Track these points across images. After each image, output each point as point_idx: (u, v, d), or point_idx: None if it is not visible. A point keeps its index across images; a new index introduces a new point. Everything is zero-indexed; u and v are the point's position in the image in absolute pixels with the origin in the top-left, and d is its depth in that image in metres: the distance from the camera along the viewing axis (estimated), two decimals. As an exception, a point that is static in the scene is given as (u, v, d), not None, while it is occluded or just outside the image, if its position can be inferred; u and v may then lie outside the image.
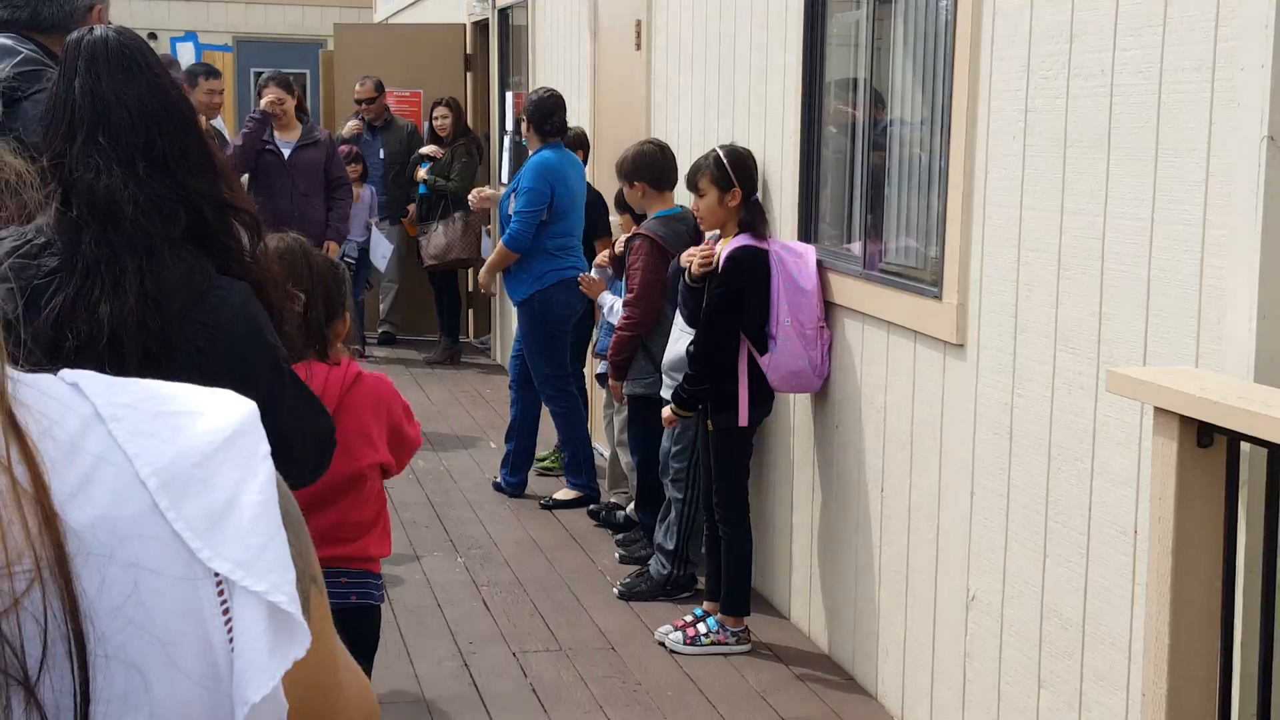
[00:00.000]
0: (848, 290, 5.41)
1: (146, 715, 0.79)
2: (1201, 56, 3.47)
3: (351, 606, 3.62)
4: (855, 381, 5.39)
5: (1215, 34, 3.42)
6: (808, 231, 5.84)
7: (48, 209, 2.64)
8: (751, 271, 5.44)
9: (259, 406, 2.86)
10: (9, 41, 3.36)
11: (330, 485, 3.58)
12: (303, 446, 2.86)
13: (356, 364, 3.76)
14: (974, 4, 4.47)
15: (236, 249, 2.76)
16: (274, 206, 8.33)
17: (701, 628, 5.67)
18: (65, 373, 0.88)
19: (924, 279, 4.94)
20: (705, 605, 5.81)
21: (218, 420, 0.88)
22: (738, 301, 5.44)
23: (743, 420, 5.56)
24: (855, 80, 5.54)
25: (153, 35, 18.41)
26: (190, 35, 19.61)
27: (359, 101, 11.71)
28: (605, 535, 7.21)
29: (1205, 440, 3.13)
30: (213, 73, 10.06)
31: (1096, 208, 3.91)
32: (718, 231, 5.68)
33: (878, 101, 5.35)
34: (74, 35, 2.73)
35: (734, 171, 5.56)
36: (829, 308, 5.56)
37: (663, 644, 5.66)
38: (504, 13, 11.94)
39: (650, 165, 6.60)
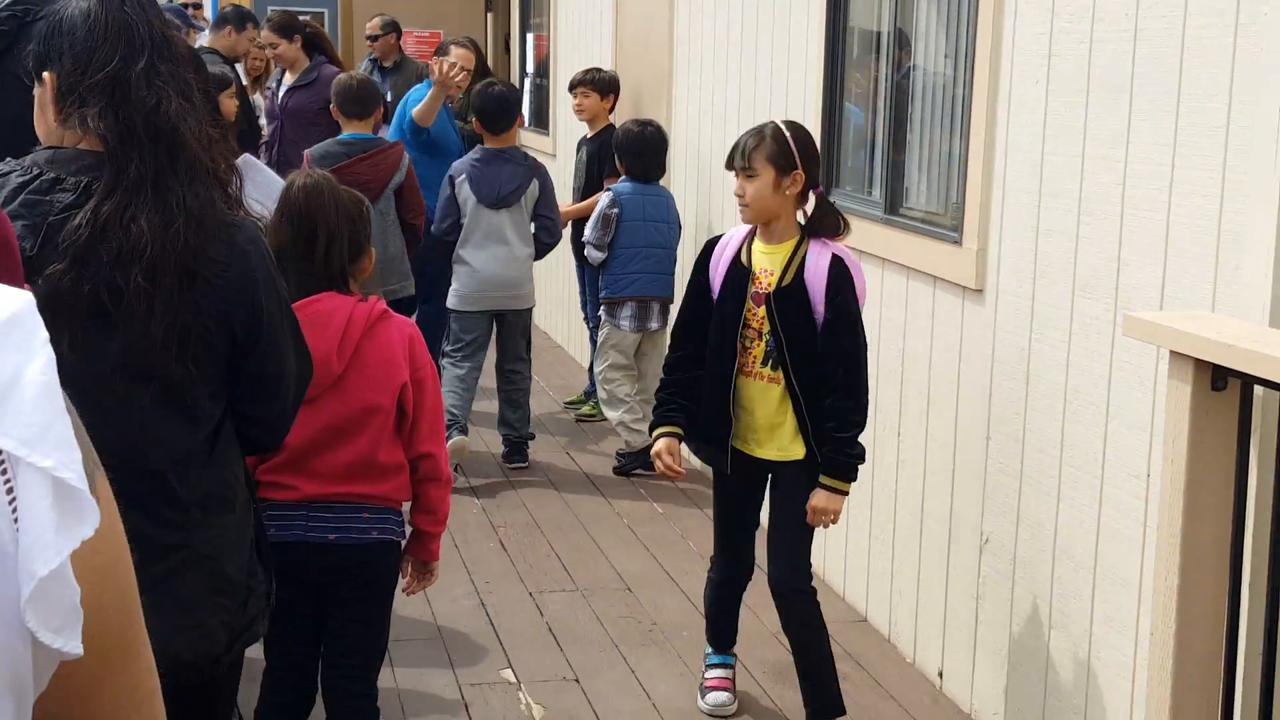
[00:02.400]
0: (868, 235, 5.42)
1: None
2: (1224, 3, 3.49)
3: (373, 542, 3.65)
4: (874, 327, 5.41)
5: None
6: (830, 177, 5.84)
7: (81, 130, 2.65)
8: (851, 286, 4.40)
9: (265, 343, 2.90)
10: None
11: (352, 415, 3.62)
12: (289, 386, 2.93)
13: (383, 302, 3.74)
14: (999, -52, 4.49)
15: (233, 191, 2.84)
16: (257, 154, 7.41)
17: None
18: None
19: (944, 224, 4.97)
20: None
21: None
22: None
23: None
24: (880, 22, 5.54)
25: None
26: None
27: (369, 39, 10.82)
28: (623, 479, 7.27)
29: (1219, 383, 3.15)
30: (235, 20, 8.93)
31: (1118, 154, 3.92)
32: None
33: (902, 44, 5.35)
34: None
35: (799, 151, 4.39)
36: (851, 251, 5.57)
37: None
38: (526, -47, 11.91)
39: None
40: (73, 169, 2.65)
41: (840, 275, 4.36)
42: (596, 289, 7.72)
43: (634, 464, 7.28)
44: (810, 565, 4.57)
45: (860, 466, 4.42)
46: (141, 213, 2.60)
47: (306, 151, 6.98)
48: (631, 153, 7.29)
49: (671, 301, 7.39)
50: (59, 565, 0.83)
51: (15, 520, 0.82)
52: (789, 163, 4.36)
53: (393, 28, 10.63)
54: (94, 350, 2.60)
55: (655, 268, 7.33)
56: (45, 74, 2.71)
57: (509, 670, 5.05)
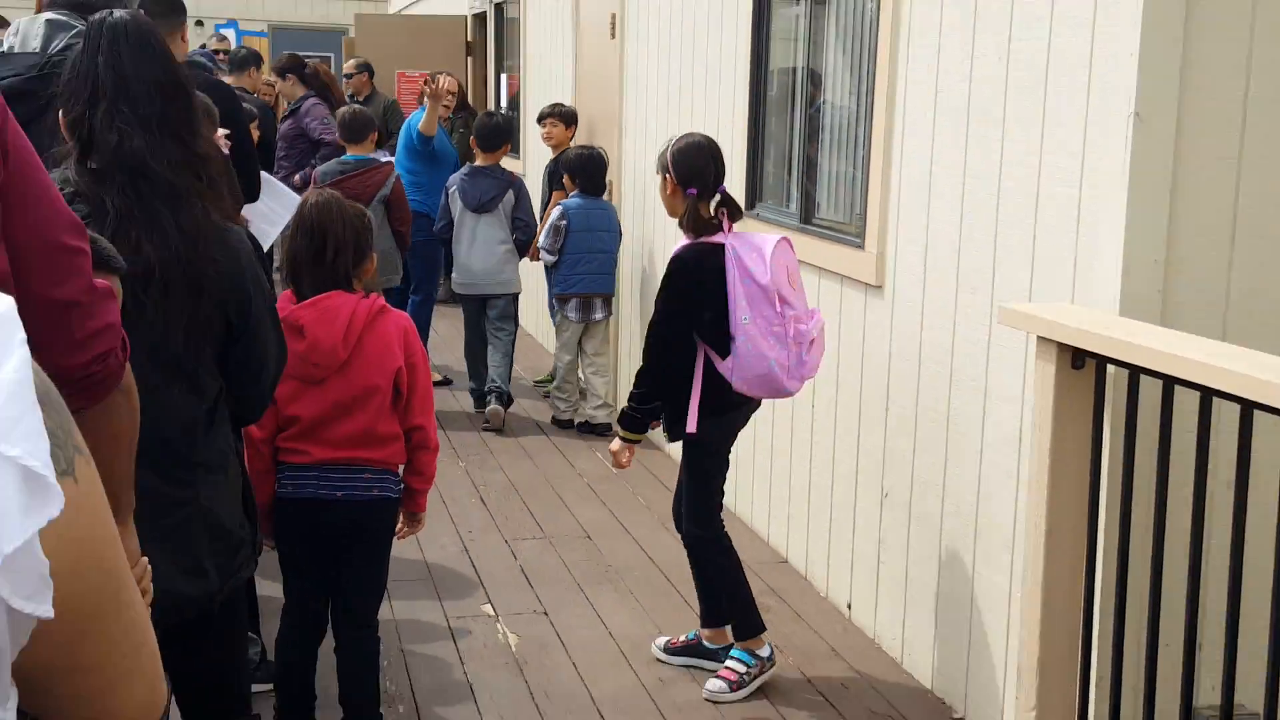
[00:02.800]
0: (786, 241, 5.41)
1: None
2: (1082, 46, 3.49)
3: (374, 498, 3.65)
4: (792, 317, 5.42)
5: (1093, 26, 3.44)
6: (754, 194, 5.84)
7: (67, 162, 2.63)
8: (699, 272, 4.16)
9: (253, 329, 2.88)
10: (63, 17, 3.34)
11: (358, 394, 3.61)
12: (270, 368, 2.93)
13: (382, 299, 3.73)
14: (894, 1, 4.48)
15: (225, 202, 2.81)
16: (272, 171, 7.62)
17: (736, 666, 4.40)
18: None
19: (850, 232, 4.97)
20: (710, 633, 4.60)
21: None
22: (684, 307, 4.20)
23: (690, 427, 4.24)
24: (794, 66, 5.54)
25: (199, 22, 18.19)
26: (232, 23, 19.32)
27: (346, 76, 11.16)
28: (585, 444, 7.25)
29: (1078, 363, 3.17)
30: (254, 60, 9.13)
31: (992, 173, 3.93)
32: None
33: (814, 82, 5.35)
34: (96, 16, 2.70)
35: (671, 159, 4.29)
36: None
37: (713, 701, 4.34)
38: (499, 6, 11.85)
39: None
40: (83, 188, 2.61)
41: (670, 268, 4.26)
42: None
43: (568, 424, 7.59)
44: (702, 513, 4.43)
45: (646, 421, 4.38)
46: (144, 239, 2.58)
47: (315, 170, 7.59)
48: (579, 172, 7.33)
49: (613, 296, 7.47)
50: (23, 544, 0.79)
51: None
52: (664, 168, 4.31)
53: (365, 68, 11.08)
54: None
55: (598, 269, 7.41)
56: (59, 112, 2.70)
57: (488, 605, 5.03)
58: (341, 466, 3.62)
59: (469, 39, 13.06)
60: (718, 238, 4.20)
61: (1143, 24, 3.22)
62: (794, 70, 5.54)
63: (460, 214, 7.53)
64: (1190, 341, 2.91)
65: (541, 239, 7.42)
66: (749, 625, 4.44)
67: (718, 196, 4.31)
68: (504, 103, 11.66)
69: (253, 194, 4.68)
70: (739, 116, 5.94)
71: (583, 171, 7.31)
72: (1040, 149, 3.68)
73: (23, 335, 0.84)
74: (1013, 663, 3.84)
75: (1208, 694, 3.15)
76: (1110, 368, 3.14)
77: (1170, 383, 2.89)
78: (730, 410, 4.34)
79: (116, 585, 0.93)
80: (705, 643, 4.55)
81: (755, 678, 4.37)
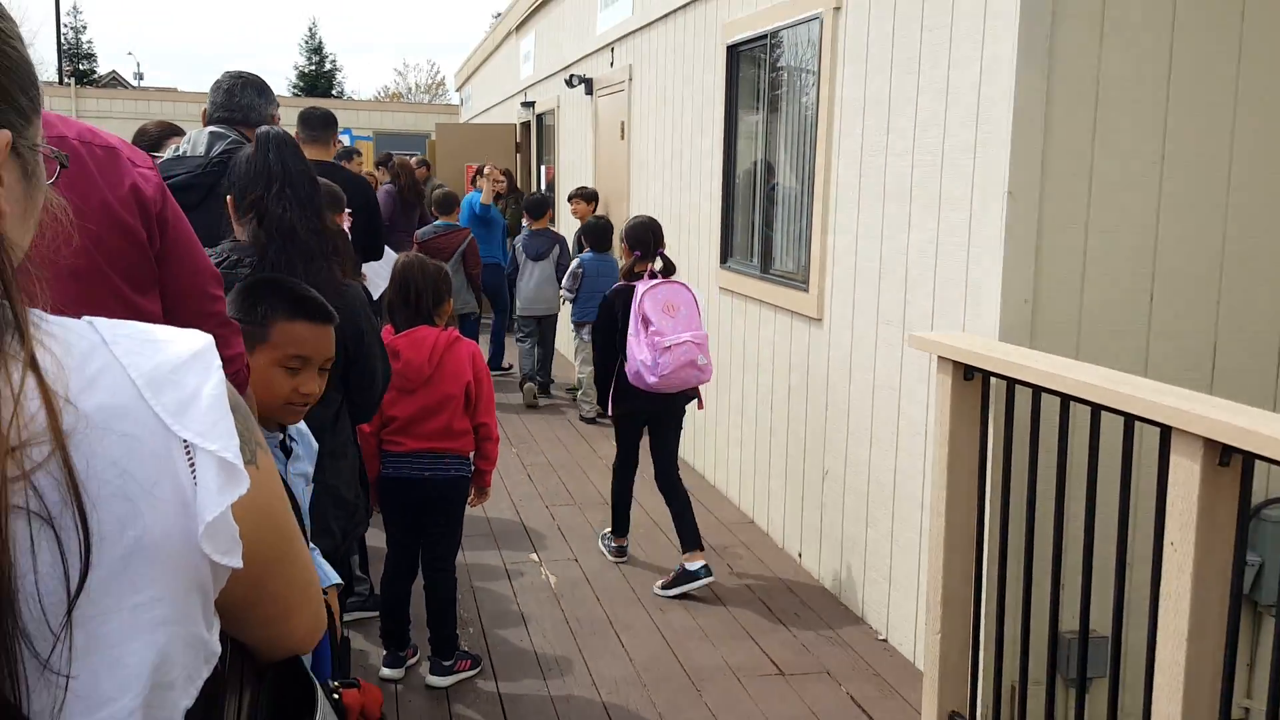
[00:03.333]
0: (751, 286, 5.38)
1: (140, 529, 0.77)
2: (968, 141, 3.44)
3: (452, 476, 3.60)
4: (756, 342, 5.38)
5: (976, 128, 3.39)
6: (726, 252, 5.79)
7: (245, 231, 2.69)
8: (616, 304, 4.51)
9: (365, 355, 2.94)
10: (221, 130, 3.33)
11: (439, 400, 3.57)
12: (380, 383, 2.95)
13: (456, 331, 3.70)
14: (828, 109, 4.43)
15: (345, 264, 2.87)
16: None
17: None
18: (85, 317, 0.84)
19: (797, 278, 4.92)
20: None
21: (186, 345, 0.84)
22: (605, 324, 4.56)
23: (609, 410, 4.61)
24: (755, 159, 5.50)
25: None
26: (346, 130, 19.36)
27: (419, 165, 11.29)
28: (604, 434, 7.17)
29: (969, 376, 3.11)
30: (354, 154, 9.45)
31: (903, 235, 3.88)
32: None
33: (769, 170, 5.31)
34: (263, 130, 2.78)
35: (625, 235, 4.61)
36: (739, 298, 5.53)
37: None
38: (540, 117, 11.82)
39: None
40: (246, 254, 2.66)
41: (602, 301, 4.62)
42: None
43: (591, 420, 7.54)
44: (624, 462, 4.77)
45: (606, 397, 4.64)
46: None
47: (416, 233, 8.11)
48: (591, 235, 7.48)
49: None
50: (220, 514, 0.80)
51: (195, 483, 0.80)
52: (622, 237, 4.62)
53: (424, 164, 11.41)
54: None
55: None
56: (228, 196, 2.73)
57: (534, 554, 4.96)
58: (428, 454, 3.58)
59: (518, 140, 13.03)
60: (637, 284, 4.50)
61: (1013, 122, 3.17)
62: (755, 161, 5.50)
63: (524, 261, 8.02)
64: (1052, 360, 2.85)
65: (564, 282, 7.59)
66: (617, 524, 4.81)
67: (659, 260, 4.55)
68: (543, 185, 11.63)
69: (379, 254, 5.03)
70: (714, 195, 5.89)
71: (593, 235, 7.42)
72: (938, 217, 3.63)
73: (219, 363, 0.85)
74: (923, 598, 3.76)
75: (1069, 621, 3.08)
76: (992, 380, 3.08)
77: (1037, 391, 2.83)
78: (634, 399, 4.53)
79: (287, 540, 0.93)
80: (686, 565, 4.48)
81: (689, 583, 4.44)
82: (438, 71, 61.78)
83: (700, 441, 6.18)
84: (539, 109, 11.67)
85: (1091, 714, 3.19)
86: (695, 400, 4.62)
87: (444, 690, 3.69)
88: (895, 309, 3.95)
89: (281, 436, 2.17)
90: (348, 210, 4.12)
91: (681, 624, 4.23)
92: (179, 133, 3.97)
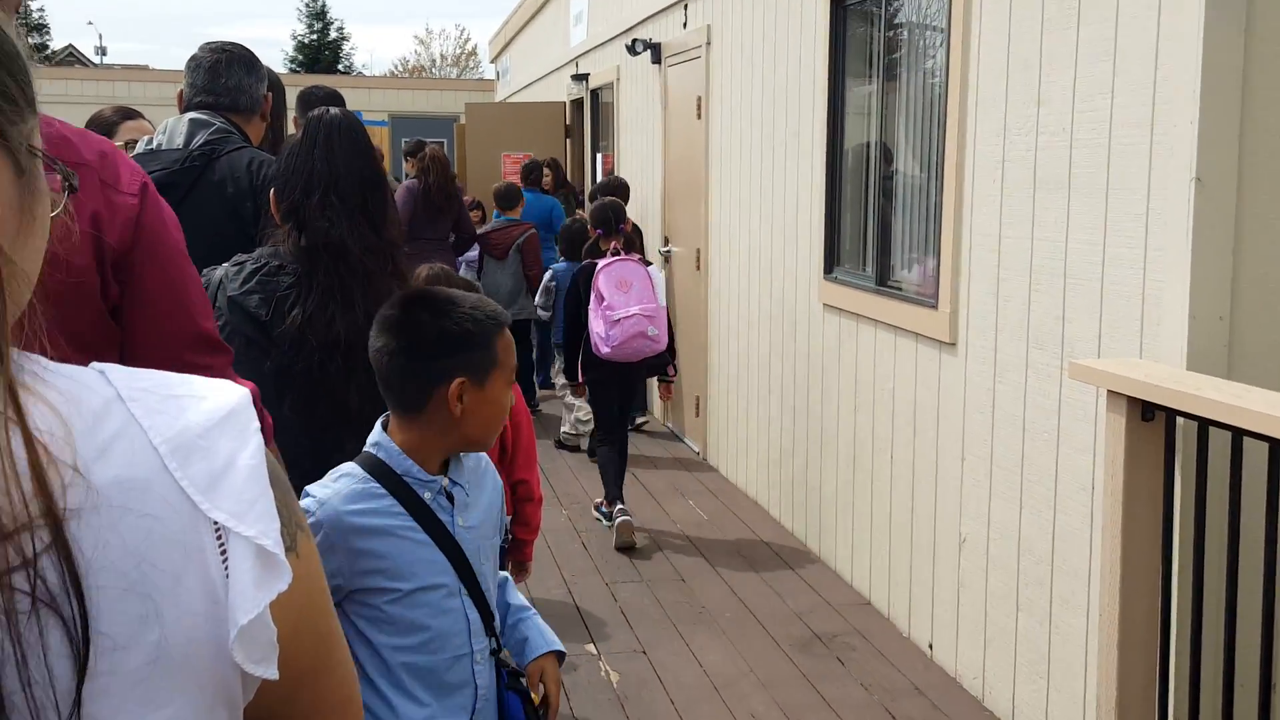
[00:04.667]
0: (864, 302, 5.36)
1: (158, 635, 0.77)
2: (1143, 115, 3.42)
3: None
4: (870, 373, 5.36)
5: (1154, 98, 3.37)
6: (831, 260, 5.79)
7: (285, 241, 2.85)
8: (579, 280, 6.29)
9: None
10: (203, 116, 3.43)
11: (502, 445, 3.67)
12: None
13: None
14: (960, 75, 4.43)
15: (405, 283, 2.99)
16: None
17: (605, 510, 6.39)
18: (95, 364, 0.86)
19: (923, 292, 4.90)
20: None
21: (217, 402, 0.86)
22: (572, 299, 6.31)
23: (579, 377, 6.37)
24: (869, 139, 5.50)
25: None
26: (357, 113, 19.79)
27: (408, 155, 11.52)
28: (677, 493, 7.19)
29: (1148, 416, 3.08)
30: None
31: (1059, 235, 3.85)
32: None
33: (886, 157, 5.30)
34: (315, 113, 2.95)
35: (589, 214, 6.30)
36: (849, 316, 5.52)
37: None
38: (595, 92, 11.95)
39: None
40: (290, 263, 2.83)
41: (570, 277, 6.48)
42: None
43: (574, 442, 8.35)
44: (603, 426, 6.51)
45: (574, 370, 6.47)
46: (337, 316, 2.79)
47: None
48: (564, 240, 8.19)
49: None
50: (257, 615, 0.82)
51: (227, 576, 0.82)
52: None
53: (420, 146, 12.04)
54: (308, 409, 2.84)
55: None
56: (270, 192, 2.92)
57: (591, 645, 4.98)
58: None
59: (567, 122, 13.18)
60: (599, 261, 6.21)
61: (1201, 88, 3.14)
62: (867, 143, 5.50)
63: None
64: (1258, 395, 2.81)
65: (537, 299, 8.53)
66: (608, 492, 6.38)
67: (620, 237, 6.35)
68: (599, 177, 11.72)
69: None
70: (816, 188, 5.90)
71: (566, 241, 8.18)
72: (1105, 211, 3.60)
73: (257, 424, 0.87)
74: (1091, 702, 3.70)
75: (1285, 734, 3.01)
76: (1180, 420, 3.04)
77: (1239, 434, 2.79)
78: (598, 369, 6.24)
79: (329, 647, 0.95)
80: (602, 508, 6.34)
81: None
82: (468, 39, 62.96)
83: (799, 497, 6.16)
84: (594, 83, 11.82)
85: None
86: (663, 370, 6.51)
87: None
88: (1050, 330, 3.91)
89: (443, 482, 2.20)
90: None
91: (779, 735, 4.21)
92: (134, 115, 4.08)
